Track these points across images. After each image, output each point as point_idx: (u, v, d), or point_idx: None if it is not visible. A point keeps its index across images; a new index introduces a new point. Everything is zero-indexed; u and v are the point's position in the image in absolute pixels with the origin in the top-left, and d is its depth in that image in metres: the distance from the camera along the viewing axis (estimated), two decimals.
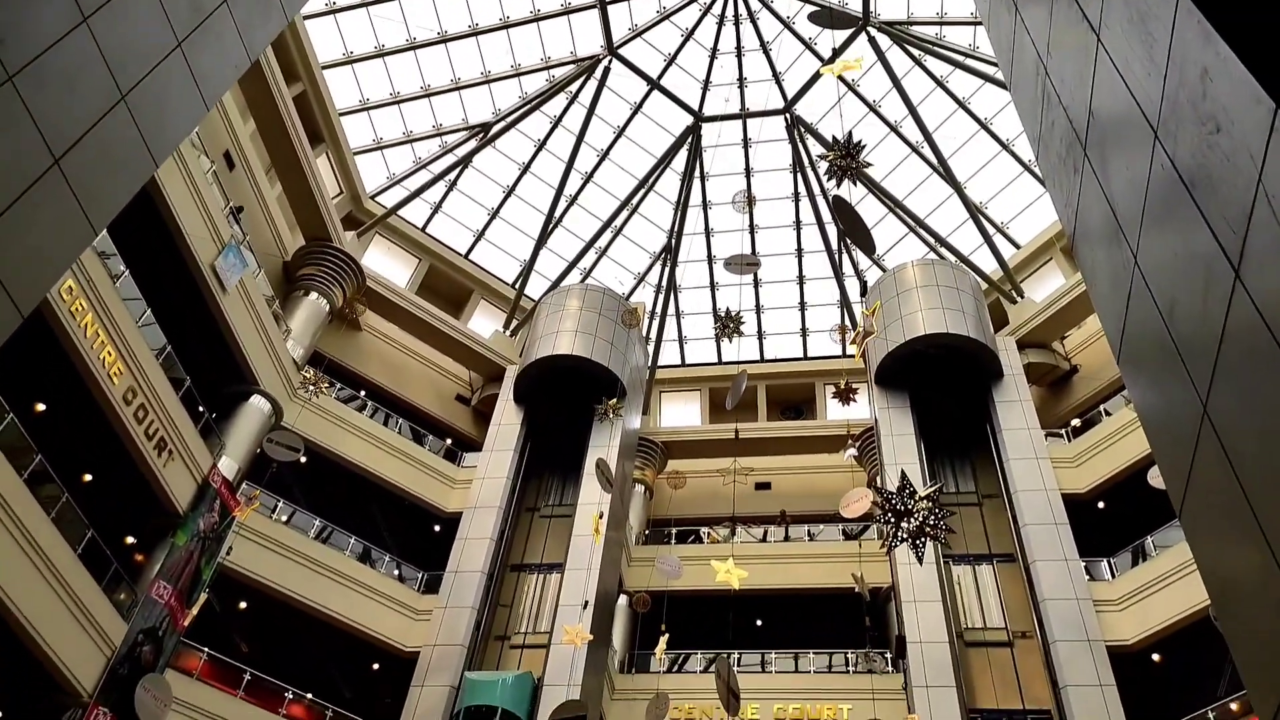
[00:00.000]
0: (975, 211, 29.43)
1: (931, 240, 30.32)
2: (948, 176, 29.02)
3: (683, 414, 33.78)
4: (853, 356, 30.59)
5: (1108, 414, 24.71)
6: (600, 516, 21.26)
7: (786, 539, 27.97)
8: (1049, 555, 21.91)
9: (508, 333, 30.83)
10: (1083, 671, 19.83)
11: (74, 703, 16.94)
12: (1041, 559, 21.91)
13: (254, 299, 22.37)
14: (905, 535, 7.30)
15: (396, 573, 24.66)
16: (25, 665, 16.44)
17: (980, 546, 23.83)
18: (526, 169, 31.80)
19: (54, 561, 16.31)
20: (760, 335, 34.29)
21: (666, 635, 19.59)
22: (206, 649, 20.82)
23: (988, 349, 25.61)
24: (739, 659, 23.97)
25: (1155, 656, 20.74)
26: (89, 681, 17.09)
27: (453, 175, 31.02)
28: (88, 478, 18.73)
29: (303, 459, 21.36)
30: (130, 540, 19.68)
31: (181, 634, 19.24)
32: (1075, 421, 25.84)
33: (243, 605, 22.40)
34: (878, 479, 24.38)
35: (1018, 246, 30.09)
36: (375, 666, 23.58)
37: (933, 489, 7.54)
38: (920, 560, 7.08)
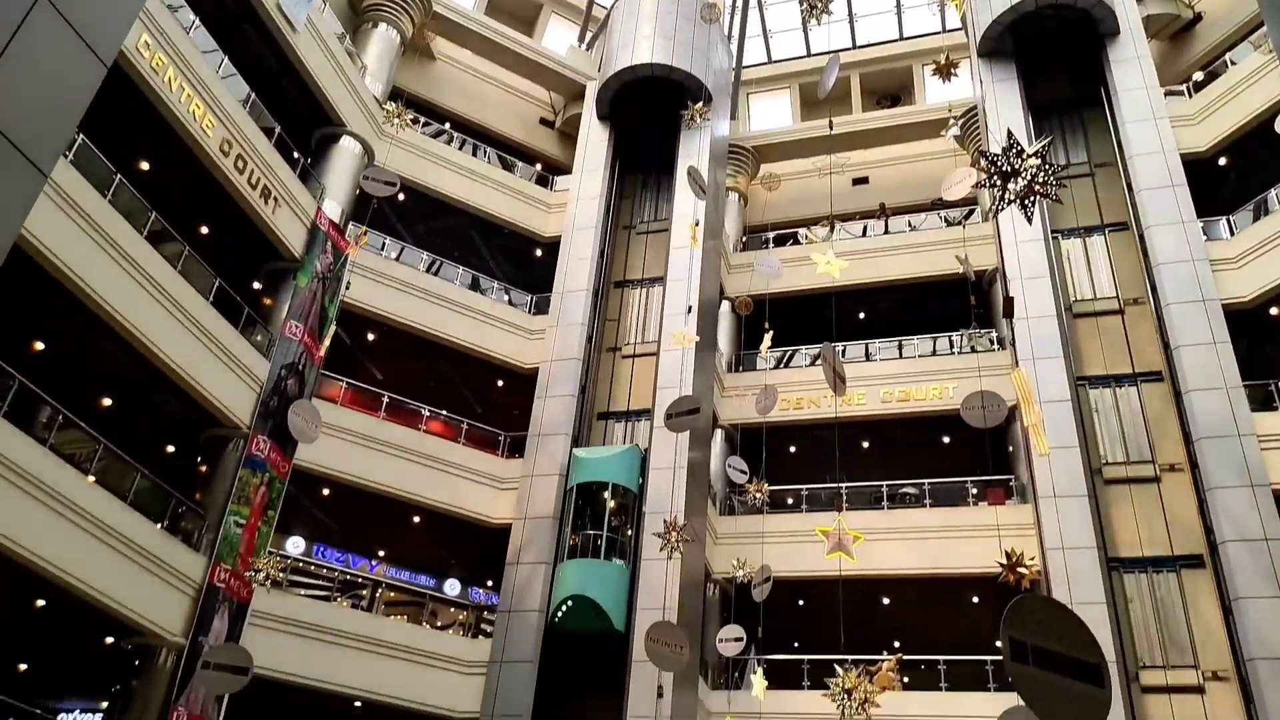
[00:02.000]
0: None
1: None
2: None
3: (773, 114, 32.64)
4: (955, 30, 28.61)
5: (1233, 64, 22.80)
6: (696, 224, 21.31)
7: (886, 232, 27.63)
8: (1165, 219, 21.15)
9: (583, 46, 29.64)
10: (1196, 331, 19.71)
11: (235, 434, 18.82)
12: (1157, 224, 21.19)
13: (325, 37, 21.95)
14: (1013, 196, 7.07)
15: (506, 298, 25.61)
16: (188, 407, 18.19)
17: (1091, 217, 23.05)
18: None
19: (190, 311, 17.53)
20: (851, 18, 32.08)
21: (770, 333, 20.11)
22: (345, 379, 22.51)
23: (1102, 3, 23.48)
24: (844, 350, 24.61)
25: (1273, 311, 20.37)
26: (244, 415, 18.84)
27: None
28: (204, 230, 19.61)
29: (400, 196, 21.74)
30: (256, 286, 20.85)
31: (320, 366, 20.75)
32: (1197, 75, 23.94)
33: (371, 337, 23.82)
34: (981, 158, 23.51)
35: None
36: (500, 384, 25.13)
37: (1041, 144, 7.15)
38: (1030, 220, 6.88)
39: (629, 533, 20.92)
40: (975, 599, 21.29)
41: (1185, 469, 19.43)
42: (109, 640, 17.23)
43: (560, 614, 19.78)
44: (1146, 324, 21.22)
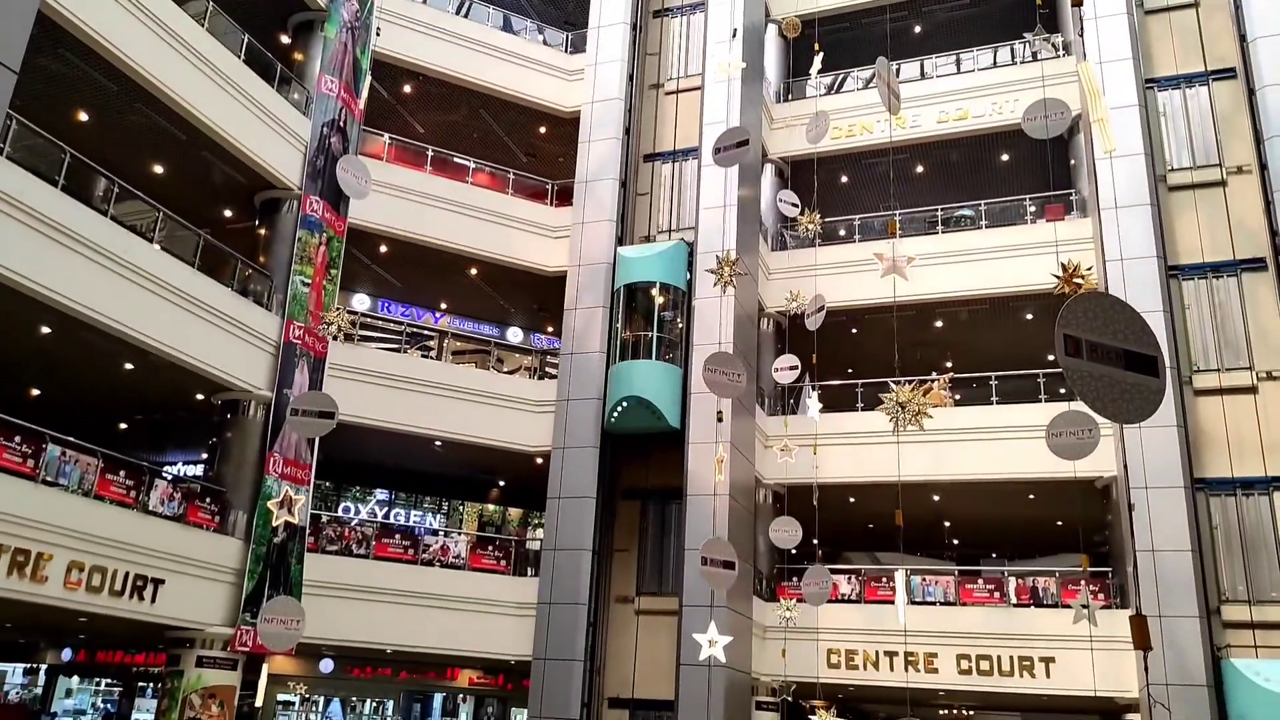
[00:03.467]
0: None
1: None
2: None
3: None
4: None
5: None
6: None
7: None
8: None
9: None
10: (1275, 20, 18.39)
11: (288, 196, 19.02)
12: None
13: None
14: None
15: (541, 38, 24.57)
16: (237, 169, 18.36)
17: None
18: None
19: (223, 69, 17.33)
20: None
21: (820, 54, 19.15)
22: (388, 134, 22.27)
23: None
24: (899, 69, 23.40)
25: None
26: (293, 175, 18.94)
27: None
28: None
29: None
30: (285, 41, 20.27)
31: (361, 123, 20.48)
32: None
33: (407, 89, 23.27)
34: None
35: None
36: (542, 131, 24.65)
37: None
38: None
39: (679, 328, 20.93)
40: (1030, 315, 21.42)
41: (1254, 170, 18.75)
42: (200, 397, 18.36)
43: (616, 414, 20.12)
44: (1222, 15, 19.77)
